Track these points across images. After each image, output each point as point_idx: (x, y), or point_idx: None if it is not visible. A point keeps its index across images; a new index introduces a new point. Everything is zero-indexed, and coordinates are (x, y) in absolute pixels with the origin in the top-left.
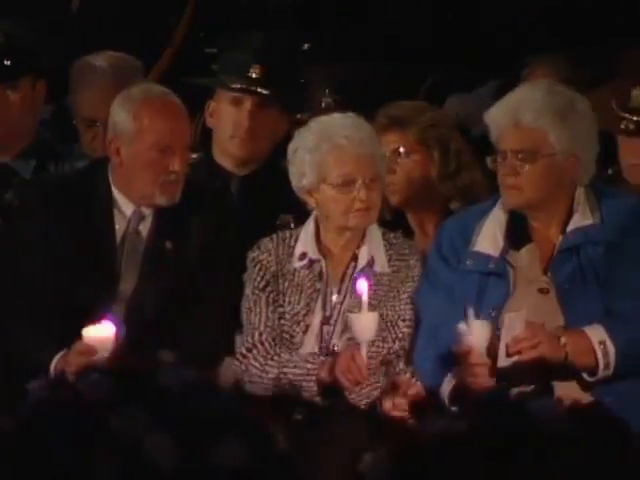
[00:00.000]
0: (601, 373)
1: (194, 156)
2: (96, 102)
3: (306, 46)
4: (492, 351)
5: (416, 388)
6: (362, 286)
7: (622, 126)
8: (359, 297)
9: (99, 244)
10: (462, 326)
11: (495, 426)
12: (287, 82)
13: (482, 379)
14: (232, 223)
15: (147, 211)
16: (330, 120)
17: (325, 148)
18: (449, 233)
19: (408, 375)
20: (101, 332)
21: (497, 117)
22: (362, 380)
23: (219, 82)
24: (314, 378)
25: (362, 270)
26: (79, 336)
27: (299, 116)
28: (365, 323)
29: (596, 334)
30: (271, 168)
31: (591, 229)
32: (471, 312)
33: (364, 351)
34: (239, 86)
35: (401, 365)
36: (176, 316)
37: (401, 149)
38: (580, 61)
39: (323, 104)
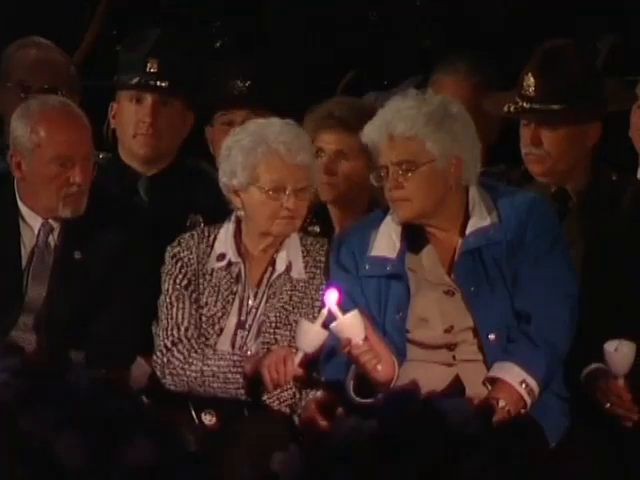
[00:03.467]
0: (530, 404)
1: (101, 156)
2: None
3: (218, 43)
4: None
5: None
6: (329, 297)
7: (505, 109)
8: (324, 306)
9: (4, 258)
10: (334, 325)
11: (404, 425)
12: (186, 75)
13: (373, 362)
14: (142, 230)
15: (55, 223)
16: (268, 124)
17: (261, 151)
18: (347, 243)
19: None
20: None
21: (372, 133)
22: (284, 385)
23: (117, 81)
24: (240, 370)
25: (280, 275)
26: None
27: None
28: (313, 335)
29: (514, 376)
30: (179, 167)
31: (490, 230)
32: (336, 309)
33: (298, 359)
34: (137, 80)
35: (314, 374)
36: (87, 319)
37: (345, 152)
38: (492, 63)
39: (235, 91)
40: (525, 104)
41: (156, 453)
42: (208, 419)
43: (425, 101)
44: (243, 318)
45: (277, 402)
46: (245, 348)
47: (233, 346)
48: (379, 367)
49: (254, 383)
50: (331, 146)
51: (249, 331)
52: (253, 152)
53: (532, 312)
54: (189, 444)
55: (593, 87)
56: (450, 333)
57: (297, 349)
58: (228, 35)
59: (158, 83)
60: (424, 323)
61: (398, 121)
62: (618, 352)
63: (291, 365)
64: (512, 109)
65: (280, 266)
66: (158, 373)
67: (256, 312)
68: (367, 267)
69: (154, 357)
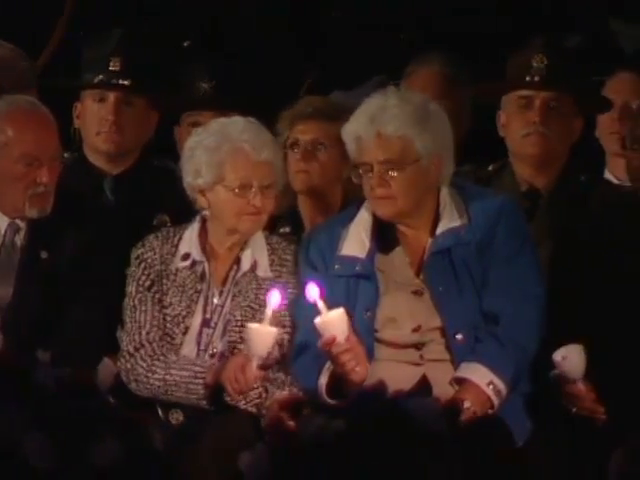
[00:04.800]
0: (497, 405)
1: (66, 155)
2: None
3: (185, 44)
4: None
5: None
6: (273, 298)
7: (527, 78)
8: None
9: None
10: (319, 320)
11: (371, 425)
12: (149, 74)
13: (352, 363)
14: (108, 230)
15: (22, 223)
16: (230, 123)
17: (225, 149)
18: (316, 241)
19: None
20: None
21: (357, 129)
22: (247, 392)
23: (80, 80)
24: (201, 381)
25: (245, 273)
26: None
27: None
28: (264, 337)
29: (481, 376)
30: (145, 166)
31: (460, 230)
32: (321, 305)
33: (255, 364)
34: (100, 78)
35: (280, 374)
36: (53, 319)
37: (322, 141)
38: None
39: (200, 92)
40: (537, 79)
41: (123, 452)
42: (175, 418)
43: (407, 100)
44: (208, 316)
45: (243, 402)
46: (211, 347)
47: (199, 345)
48: (357, 368)
49: (217, 391)
50: (308, 135)
51: (214, 329)
52: (217, 151)
53: (500, 313)
54: (156, 443)
55: (585, 78)
56: (418, 333)
57: (252, 355)
58: (195, 35)
59: (120, 81)
60: (392, 323)
61: (388, 119)
62: (567, 360)
63: (250, 372)
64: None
65: (245, 264)
66: (124, 378)
67: (221, 310)
68: (337, 266)
69: (119, 362)
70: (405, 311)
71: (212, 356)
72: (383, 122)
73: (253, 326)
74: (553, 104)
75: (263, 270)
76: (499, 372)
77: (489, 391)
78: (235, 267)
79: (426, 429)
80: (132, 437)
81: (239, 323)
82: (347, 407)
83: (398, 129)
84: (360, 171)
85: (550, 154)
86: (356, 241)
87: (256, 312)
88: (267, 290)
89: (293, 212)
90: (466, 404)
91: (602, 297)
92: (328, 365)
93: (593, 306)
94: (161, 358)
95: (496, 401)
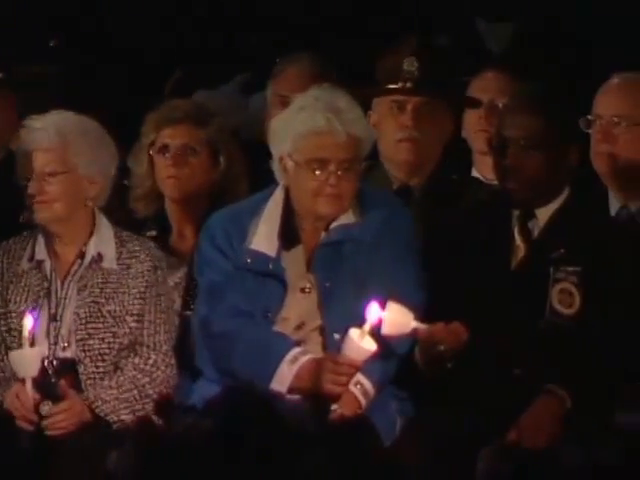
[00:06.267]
0: (365, 405)
1: None
2: None
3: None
4: None
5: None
6: (27, 322)
7: (400, 83)
8: (31, 331)
9: None
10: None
11: (241, 424)
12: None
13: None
14: None
15: None
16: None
17: None
18: (222, 226)
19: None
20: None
21: (316, 125)
22: (33, 415)
23: None
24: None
25: (90, 266)
26: None
27: None
28: (29, 359)
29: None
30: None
31: (353, 227)
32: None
33: (29, 386)
34: None
35: (136, 360)
36: None
37: (193, 146)
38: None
39: None
40: (409, 84)
41: None
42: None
43: (342, 99)
44: (53, 311)
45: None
46: (61, 341)
47: (49, 339)
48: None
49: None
50: (178, 140)
51: (61, 322)
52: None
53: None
54: (24, 442)
55: (456, 77)
56: (301, 330)
57: (24, 379)
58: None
59: None
60: (285, 322)
61: (353, 121)
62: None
63: (25, 396)
64: (400, 87)
65: (87, 257)
66: None
67: (65, 303)
68: (248, 260)
69: None
70: (294, 309)
71: (64, 349)
72: (349, 123)
73: (14, 353)
74: (426, 108)
75: (109, 262)
76: (367, 373)
77: (356, 391)
78: (79, 261)
79: (296, 429)
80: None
81: (84, 320)
82: (216, 406)
83: (361, 131)
84: (315, 166)
85: (423, 158)
86: (266, 238)
87: (102, 306)
88: (113, 283)
89: (160, 215)
90: (334, 405)
91: (468, 294)
92: (295, 356)
93: (459, 304)
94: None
95: (364, 401)
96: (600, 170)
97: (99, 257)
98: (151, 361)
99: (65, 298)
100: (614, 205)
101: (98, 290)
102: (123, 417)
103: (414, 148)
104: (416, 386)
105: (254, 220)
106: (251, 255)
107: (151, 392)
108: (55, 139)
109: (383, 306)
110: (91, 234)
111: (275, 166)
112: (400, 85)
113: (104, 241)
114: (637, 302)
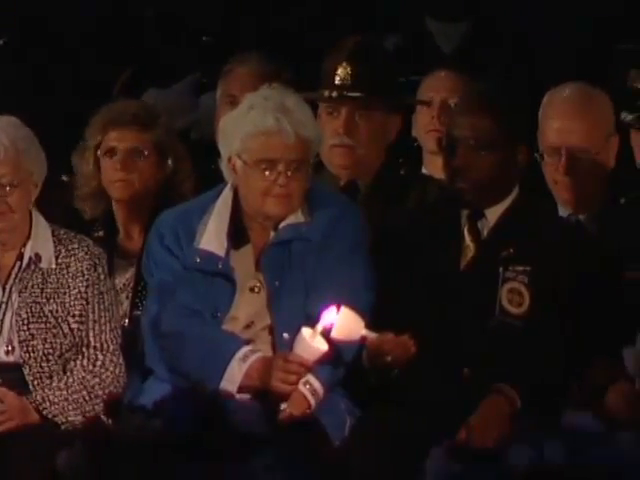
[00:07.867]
0: (314, 405)
1: None
2: None
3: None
4: None
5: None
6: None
7: (328, 92)
8: None
9: None
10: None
11: (190, 424)
12: None
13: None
14: None
15: None
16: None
17: None
18: (171, 225)
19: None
20: None
21: (265, 126)
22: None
23: None
24: None
25: (28, 268)
26: None
27: None
28: None
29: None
30: None
31: (302, 226)
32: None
33: None
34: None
35: (84, 362)
36: None
37: (141, 149)
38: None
39: None
40: (344, 92)
41: None
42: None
43: (301, 102)
44: None
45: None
46: (4, 344)
47: None
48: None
49: None
50: (126, 143)
51: (1, 326)
52: None
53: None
54: None
55: (395, 79)
56: (250, 329)
57: None
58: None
59: None
60: (234, 321)
61: (302, 121)
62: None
63: None
64: (333, 95)
65: (25, 259)
66: None
67: (6, 307)
68: (197, 260)
69: None
70: (243, 308)
71: (7, 353)
72: (298, 124)
73: None
74: (360, 112)
75: (47, 262)
76: (316, 373)
77: (305, 391)
78: (19, 263)
79: (244, 429)
80: None
81: (26, 321)
82: (165, 406)
83: (310, 132)
84: (265, 167)
85: (359, 162)
86: (215, 237)
87: (43, 306)
88: (53, 283)
89: (107, 216)
90: (282, 404)
91: (416, 293)
92: (245, 354)
93: (408, 304)
94: None
95: (313, 401)
96: (556, 195)
97: (37, 258)
98: (99, 362)
99: (7, 302)
100: (562, 212)
101: (38, 290)
102: (72, 418)
103: (347, 154)
104: (364, 386)
105: (203, 219)
106: (200, 255)
107: (100, 393)
108: (10, 149)
109: (338, 309)
110: (29, 236)
111: (224, 166)
112: (329, 93)
113: (42, 241)
114: (583, 302)
